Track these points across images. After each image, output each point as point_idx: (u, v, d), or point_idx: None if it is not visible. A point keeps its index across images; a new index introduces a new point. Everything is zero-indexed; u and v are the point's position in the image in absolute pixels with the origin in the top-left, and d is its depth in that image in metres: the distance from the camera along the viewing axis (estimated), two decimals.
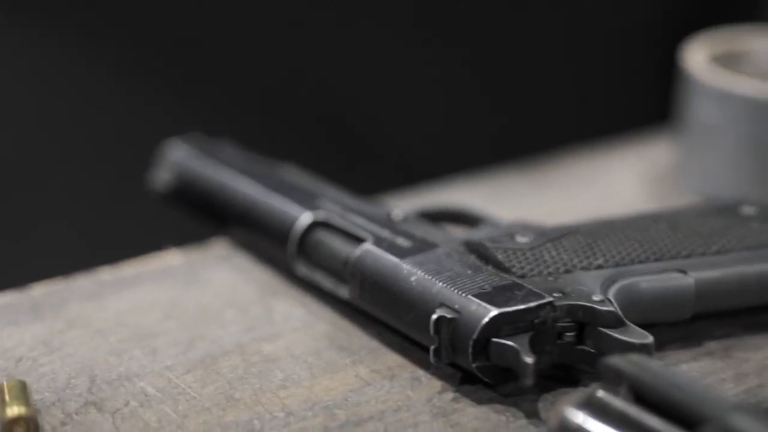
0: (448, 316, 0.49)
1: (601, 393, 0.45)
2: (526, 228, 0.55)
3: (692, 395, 0.43)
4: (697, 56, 0.68)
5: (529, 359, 0.47)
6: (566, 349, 0.50)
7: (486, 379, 0.49)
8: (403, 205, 0.61)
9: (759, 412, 0.42)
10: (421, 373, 0.52)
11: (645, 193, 0.70)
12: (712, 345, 0.54)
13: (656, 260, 0.53)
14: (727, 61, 0.70)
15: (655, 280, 0.52)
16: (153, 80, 0.90)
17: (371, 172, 0.75)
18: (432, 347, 0.50)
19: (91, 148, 0.89)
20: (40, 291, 0.58)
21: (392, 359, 0.53)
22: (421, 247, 0.54)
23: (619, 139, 0.76)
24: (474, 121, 0.91)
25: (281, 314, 0.56)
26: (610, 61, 0.90)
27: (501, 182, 0.71)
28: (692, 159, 0.69)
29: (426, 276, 0.51)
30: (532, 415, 0.49)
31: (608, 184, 0.71)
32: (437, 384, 0.51)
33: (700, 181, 0.68)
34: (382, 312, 0.53)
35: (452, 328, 0.49)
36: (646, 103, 0.78)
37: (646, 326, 0.51)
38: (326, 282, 0.56)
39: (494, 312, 0.48)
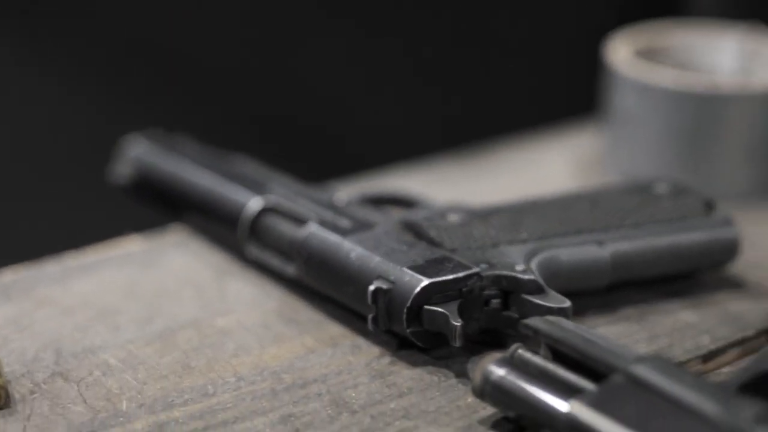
0: (384, 287, 0.54)
1: (520, 351, 0.50)
2: (457, 208, 0.60)
3: (602, 349, 0.48)
4: (620, 50, 0.74)
5: (457, 323, 0.52)
6: (493, 315, 0.55)
7: (420, 344, 0.54)
8: (347, 190, 0.66)
9: (658, 362, 0.47)
10: (361, 341, 0.56)
11: (573, 178, 0.75)
12: (627, 311, 0.59)
13: (575, 234, 0.58)
14: (648, 55, 0.75)
15: (574, 252, 0.57)
16: (115, 80, 0.95)
17: (319, 162, 0.79)
18: (370, 316, 0.54)
19: (58, 144, 0.93)
20: (10, 276, 0.62)
21: (335, 329, 0.57)
22: (360, 226, 0.58)
23: (549, 130, 0.81)
24: (415, 113, 0.96)
25: (234, 292, 0.61)
26: (541, 57, 0.95)
27: (440, 170, 0.76)
28: (616, 146, 0.74)
29: (364, 252, 0.56)
30: (462, 375, 0.53)
31: (539, 171, 0.75)
32: (376, 350, 0.56)
33: (623, 167, 0.73)
34: (326, 287, 0.58)
35: (388, 298, 0.54)
36: (573, 95, 0.83)
37: (567, 295, 0.56)
38: (275, 262, 0.61)
39: (426, 282, 0.53)
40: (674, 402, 0.45)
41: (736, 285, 0.61)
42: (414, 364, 0.55)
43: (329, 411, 0.51)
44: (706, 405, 0.44)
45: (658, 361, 0.47)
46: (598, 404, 0.45)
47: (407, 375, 0.54)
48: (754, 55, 0.76)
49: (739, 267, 0.62)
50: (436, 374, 0.54)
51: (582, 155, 0.77)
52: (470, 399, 0.52)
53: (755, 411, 0.44)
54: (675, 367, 0.46)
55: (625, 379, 0.46)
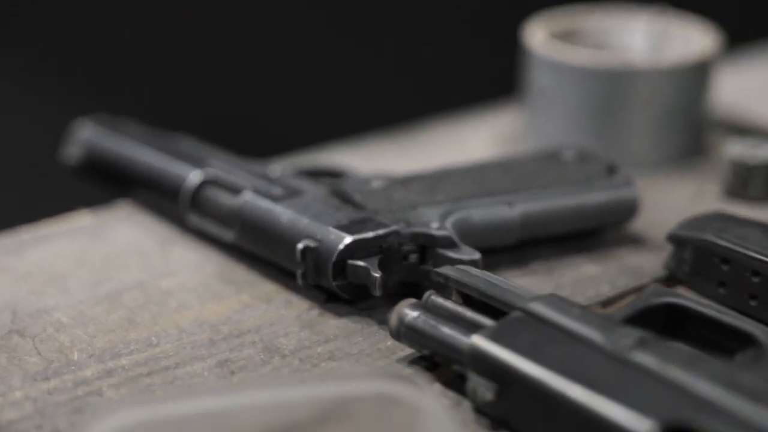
0: (312, 245, 0.59)
1: (433, 297, 0.56)
2: (380, 176, 0.65)
3: (503, 291, 0.54)
4: (537, 33, 0.79)
5: (377, 274, 0.57)
6: (411, 268, 0.60)
7: (345, 296, 0.60)
8: (282, 164, 0.71)
9: (552, 299, 0.52)
10: (293, 296, 0.62)
11: (496, 152, 0.80)
12: (536, 265, 0.64)
13: (487, 196, 0.64)
14: (563, 36, 0.80)
15: (485, 212, 0.63)
16: (66, 70, 0.99)
17: (256, 142, 0.84)
18: (299, 272, 0.60)
19: (13, 130, 0.97)
20: None
21: (269, 287, 0.63)
22: (292, 193, 0.64)
23: (475, 109, 0.86)
24: (350, 95, 1.01)
25: (177, 258, 0.66)
26: (466, 42, 1.01)
27: (372, 146, 0.81)
28: (534, 122, 0.79)
29: (294, 215, 0.61)
30: (383, 323, 0.58)
31: (464, 146, 0.81)
32: (305, 304, 0.61)
33: (541, 141, 0.78)
34: (260, 249, 0.63)
35: (315, 255, 0.59)
36: (496, 77, 0.88)
37: (482, 251, 0.61)
38: (214, 229, 0.66)
39: (349, 239, 0.58)
40: (565, 332, 0.50)
41: (636, 241, 0.67)
42: (340, 314, 0.60)
43: (262, 356, 0.57)
44: (593, 333, 0.50)
45: (551, 298, 0.52)
46: (497, 336, 0.51)
47: (333, 324, 0.59)
48: (662, 36, 0.82)
49: (642, 226, 0.68)
50: (359, 323, 0.59)
51: (504, 132, 0.83)
52: (390, 342, 0.57)
53: (634, 338, 0.49)
54: (566, 303, 0.52)
55: (522, 314, 0.52)
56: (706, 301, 0.55)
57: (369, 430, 0.49)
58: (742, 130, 0.81)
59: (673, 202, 0.72)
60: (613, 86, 0.76)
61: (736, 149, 0.73)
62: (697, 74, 0.77)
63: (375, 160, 0.78)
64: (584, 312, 0.51)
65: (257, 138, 0.84)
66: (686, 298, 0.54)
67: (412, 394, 0.48)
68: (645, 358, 0.48)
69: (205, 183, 0.66)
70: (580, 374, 0.48)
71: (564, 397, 0.48)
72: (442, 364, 0.55)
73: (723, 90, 0.84)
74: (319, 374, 0.52)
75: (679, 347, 0.49)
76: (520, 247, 0.65)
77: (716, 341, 0.52)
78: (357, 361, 0.56)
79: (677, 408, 0.46)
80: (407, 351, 0.56)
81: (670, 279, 0.62)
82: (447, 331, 0.53)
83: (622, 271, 0.64)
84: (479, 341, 0.51)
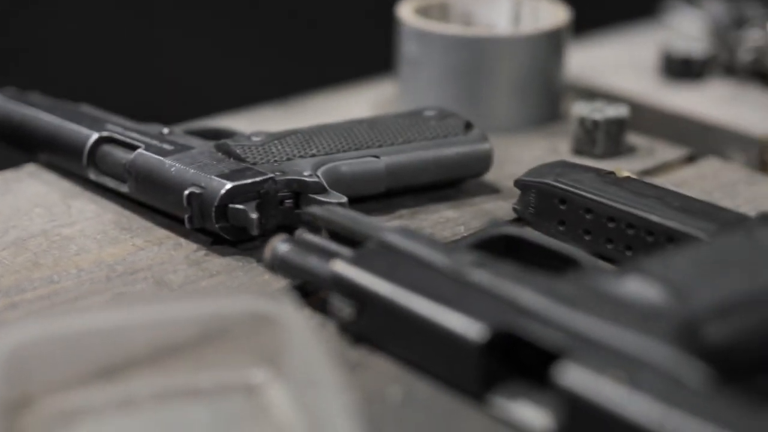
0: (197, 191, 0.66)
1: (303, 233, 0.63)
2: (260, 132, 0.73)
3: (362, 225, 0.62)
4: (408, 8, 0.87)
5: (254, 215, 0.65)
6: (287, 213, 0.68)
7: (228, 238, 0.67)
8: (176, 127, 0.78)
9: (403, 230, 0.60)
10: (182, 240, 0.69)
11: None
12: (403, 212, 0.72)
13: (356, 149, 0.71)
14: (433, 11, 0.88)
15: (354, 163, 0.71)
16: None
17: (153, 111, 0.90)
18: (186, 216, 0.67)
19: None
20: None
21: (161, 233, 0.70)
22: (180, 149, 0.71)
23: (356, 82, 0.94)
24: (243, 70, 1.08)
25: (77, 209, 0.73)
26: (350, 19, 1.08)
27: (264, 114, 0.88)
28: (406, 90, 0.87)
29: (182, 167, 0.68)
30: (261, 260, 0.66)
31: (345, 113, 0.88)
32: (194, 246, 0.68)
33: (412, 106, 0.86)
34: (153, 199, 0.70)
35: (200, 200, 0.66)
36: (374, 52, 0.96)
37: (353, 199, 0.69)
38: (111, 183, 0.73)
39: (229, 185, 0.66)
40: (413, 257, 0.58)
41: (492, 191, 0.75)
42: (224, 254, 0.67)
43: (153, 290, 0.64)
44: (436, 257, 0.58)
45: (403, 229, 0.60)
46: (355, 262, 0.58)
47: (218, 262, 0.66)
48: (520, 11, 0.90)
49: (498, 178, 0.76)
50: (241, 261, 0.67)
51: (381, 100, 0.91)
52: (267, 276, 0.64)
53: (471, 259, 0.57)
54: (415, 234, 0.60)
55: (377, 244, 0.60)
56: (537, 232, 0.63)
57: (243, 347, 0.56)
58: (591, 96, 0.90)
59: (528, 158, 0.80)
60: (475, 55, 0.84)
61: (584, 110, 0.81)
62: (551, 44, 0.85)
63: (262, 126, 0.85)
64: (430, 240, 0.59)
65: (150, 109, 0.91)
66: (520, 228, 0.62)
67: (280, 312, 0.55)
68: (479, 276, 0.56)
69: (102, 141, 0.73)
70: (424, 291, 0.56)
71: (410, 311, 0.55)
72: (312, 292, 0.62)
73: (574, 65, 0.93)
74: (197, 294, 0.59)
75: (508, 266, 0.57)
76: (388, 196, 0.73)
77: (546, 265, 0.60)
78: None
79: (504, 315, 0.54)
80: (282, 282, 0.63)
81: (519, 220, 0.71)
82: (313, 260, 0.60)
83: (477, 215, 0.72)
84: (340, 266, 0.58)
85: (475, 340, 0.53)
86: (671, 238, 0.63)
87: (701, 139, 0.86)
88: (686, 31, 1.01)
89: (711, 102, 0.90)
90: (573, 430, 0.50)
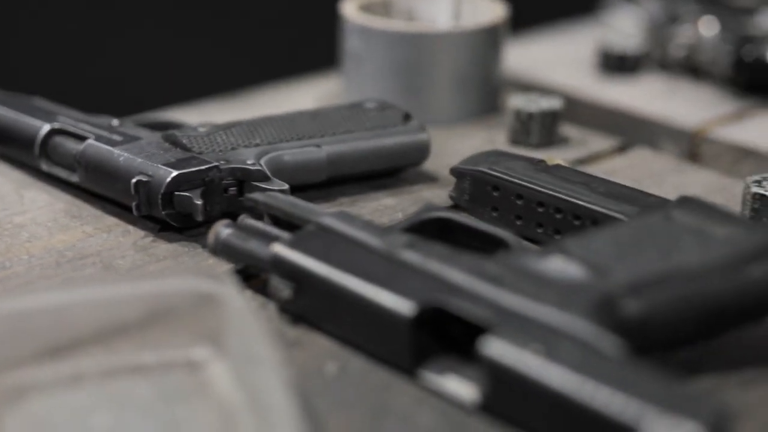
0: (144, 179, 0.69)
1: (245, 218, 0.66)
2: (206, 123, 0.75)
3: (302, 209, 0.64)
4: (351, 5, 0.90)
5: (199, 202, 0.68)
6: (231, 200, 0.70)
7: (175, 224, 0.69)
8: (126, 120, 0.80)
9: (341, 214, 0.63)
10: (130, 227, 0.71)
11: None
12: (343, 199, 0.75)
13: (298, 139, 0.74)
14: (374, 7, 0.91)
15: (296, 152, 0.73)
16: None
17: (111, 103, 0.93)
18: (134, 203, 0.69)
19: None
20: None
21: (110, 220, 0.72)
22: (129, 139, 0.73)
23: (302, 77, 0.97)
24: (194, 62, 1.10)
25: (30, 198, 0.75)
26: (294, 15, 1.11)
27: (211, 107, 0.91)
28: (350, 83, 0.90)
29: (130, 156, 0.71)
30: (206, 245, 0.68)
31: (292, 107, 0.91)
32: (142, 233, 0.71)
33: (357, 99, 0.89)
34: (102, 187, 0.73)
35: (147, 188, 0.69)
36: (321, 49, 0.98)
37: (295, 188, 0.72)
38: (62, 173, 0.75)
39: (175, 173, 0.68)
40: (348, 239, 0.61)
41: (431, 179, 0.78)
42: (171, 240, 0.70)
43: (101, 274, 0.66)
44: (370, 239, 0.61)
45: (339, 213, 0.63)
46: (293, 244, 0.61)
47: (165, 248, 0.69)
48: (462, 6, 0.93)
49: (436, 167, 0.79)
50: (187, 246, 0.69)
51: (325, 93, 0.93)
52: (211, 261, 0.67)
53: (404, 241, 0.60)
54: (351, 217, 0.63)
55: (315, 227, 0.62)
56: (467, 216, 0.66)
57: (186, 326, 0.59)
58: (529, 90, 0.93)
59: (465, 148, 0.83)
60: (416, 50, 0.87)
61: (519, 102, 0.84)
62: (488, 40, 0.88)
63: (210, 118, 0.88)
64: (366, 224, 0.62)
65: (107, 102, 0.93)
66: (451, 212, 0.65)
67: (222, 292, 0.58)
68: (411, 256, 0.59)
69: (54, 133, 0.76)
70: (358, 271, 0.59)
71: (344, 290, 0.58)
72: (253, 275, 0.65)
73: (513, 60, 0.96)
74: (142, 275, 0.61)
75: (439, 247, 0.60)
76: (329, 184, 0.76)
77: (477, 247, 0.63)
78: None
79: (433, 292, 0.57)
80: (225, 266, 0.66)
81: (455, 207, 0.74)
82: (254, 244, 0.63)
83: (415, 202, 0.75)
84: (278, 249, 0.61)
85: (405, 316, 0.56)
86: (596, 221, 0.66)
87: (635, 131, 0.90)
88: (623, 28, 1.04)
89: (644, 96, 0.94)
90: (497, 400, 0.53)
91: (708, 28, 0.96)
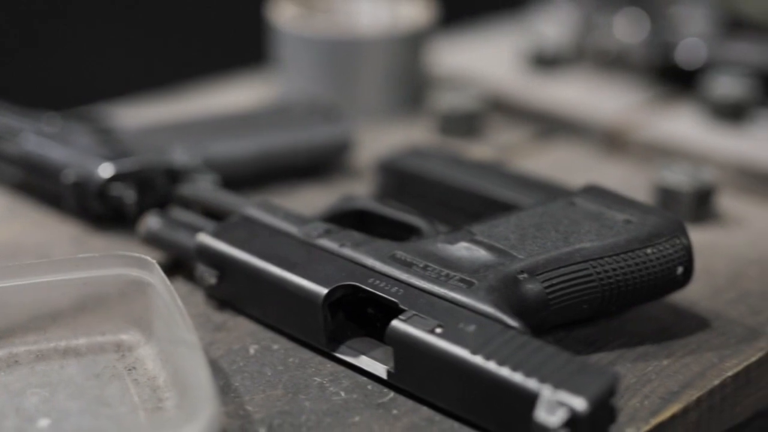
0: (79, 174, 0.72)
1: (175, 209, 0.69)
2: (143, 121, 0.79)
3: (226, 200, 0.68)
4: (285, 8, 0.93)
5: (132, 196, 0.71)
6: (163, 193, 0.73)
7: (109, 217, 0.73)
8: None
9: (263, 203, 0.66)
10: (67, 219, 0.74)
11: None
12: (273, 192, 0.79)
13: (228, 136, 0.77)
14: (309, 13, 0.95)
15: (226, 148, 0.77)
16: None
17: (47, 97, 0.96)
18: (69, 198, 0.72)
19: None
20: None
21: (47, 215, 0.75)
22: (64, 134, 0.76)
23: (236, 74, 1.01)
24: (130, 59, 1.13)
25: None
26: (231, 14, 1.15)
27: (146, 103, 0.94)
28: (284, 81, 0.93)
29: (65, 150, 0.74)
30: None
31: (226, 105, 0.94)
32: (78, 227, 0.74)
33: (290, 96, 0.92)
34: (38, 181, 0.76)
35: (82, 183, 0.72)
36: (257, 48, 1.02)
37: (230, 183, 0.75)
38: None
39: (109, 167, 0.72)
40: (270, 228, 0.65)
41: (358, 173, 0.82)
42: (106, 234, 0.73)
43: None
44: (290, 228, 0.64)
45: (262, 203, 0.67)
46: (217, 233, 0.65)
47: (99, 240, 0.72)
48: (392, 9, 0.97)
49: (364, 160, 0.83)
50: (121, 238, 0.72)
51: (260, 92, 0.97)
52: (144, 252, 0.70)
53: (321, 229, 0.64)
54: (273, 207, 0.66)
55: (239, 217, 0.66)
56: (383, 205, 0.70)
57: (116, 311, 0.62)
58: (454, 86, 0.97)
59: (392, 142, 0.87)
60: (345, 52, 0.90)
61: (444, 98, 0.88)
62: (416, 41, 0.92)
63: (145, 114, 0.91)
64: (286, 213, 0.66)
65: (43, 97, 0.96)
66: (368, 202, 0.68)
67: (150, 280, 0.61)
68: (327, 243, 0.63)
69: None
70: (279, 257, 0.62)
71: (265, 275, 0.62)
72: (182, 264, 0.69)
73: (444, 59, 1.00)
74: (71, 260, 0.64)
75: (354, 234, 0.63)
76: (261, 179, 0.79)
77: (394, 234, 0.66)
78: None
79: (348, 275, 0.60)
80: (156, 256, 0.69)
81: (380, 198, 0.77)
82: (181, 234, 0.67)
83: (340, 193, 0.78)
84: (203, 237, 0.64)
85: (319, 297, 0.59)
86: (506, 208, 0.70)
87: (558, 125, 0.94)
88: (552, 28, 1.08)
89: (568, 91, 0.98)
90: (405, 374, 0.57)
91: (626, 23, 1.00)
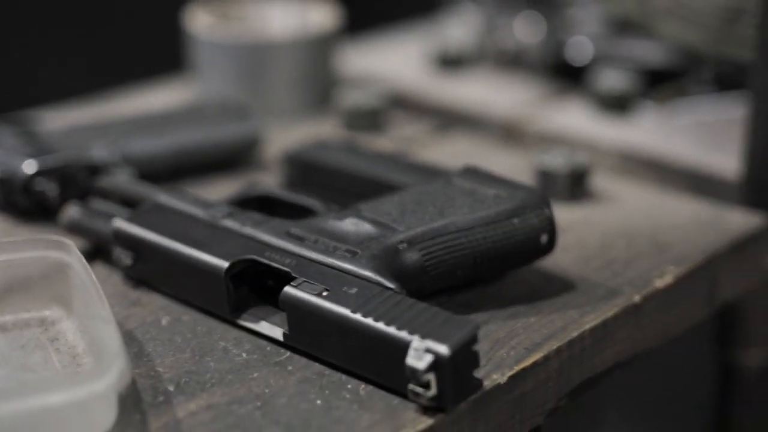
0: (5, 170, 0.78)
1: (94, 199, 0.76)
2: (66, 122, 0.85)
3: (139, 189, 0.75)
4: (200, 17, 1.00)
5: (55, 190, 0.78)
6: (84, 187, 0.80)
7: (35, 211, 0.79)
8: None
9: (173, 191, 0.73)
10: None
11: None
12: (188, 184, 0.85)
13: (146, 134, 0.84)
14: (223, 20, 1.02)
15: (144, 145, 0.84)
16: None
17: None
18: None
19: None
20: None
21: None
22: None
23: (156, 79, 1.08)
24: (57, 66, 1.19)
25: None
26: (144, 27, 1.22)
27: (71, 108, 1.01)
28: (201, 85, 1.00)
29: None
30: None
31: (148, 107, 1.01)
32: (3, 219, 0.80)
33: (206, 97, 0.99)
34: None
35: (8, 179, 0.78)
36: (176, 52, 1.09)
37: (149, 178, 0.82)
38: None
39: (33, 164, 0.78)
40: (179, 212, 0.71)
41: (267, 165, 0.89)
42: (31, 225, 0.79)
43: None
44: (198, 211, 0.71)
45: (172, 191, 0.73)
46: (130, 219, 0.71)
47: (27, 232, 0.79)
48: (297, 17, 1.04)
49: (274, 154, 0.90)
50: (45, 229, 0.79)
51: (179, 94, 1.04)
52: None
53: (224, 211, 0.71)
54: (183, 194, 0.73)
55: (151, 204, 0.73)
56: (282, 190, 0.77)
57: (40, 290, 0.68)
58: (359, 85, 1.04)
59: (301, 137, 0.94)
60: (254, 58, 0.97)
61: (350, 96, 0.96)
62: (324, 44, 0.99)
63: (70, 117, 0.97)
64: (194, 199, 0.73)
65: None
66: (269, 188, 0.75)
67: (70, 262, 0.68)
68: (230, 223, 0.70)
69: None
70: (185, 238, 0.69)
71: (175, 253, 0.69)
72: (102, 249, 0.75)
73: (354, 60, 1.07)
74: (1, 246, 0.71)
75: (254, 215, 0.70)
76: (176, 173, 0.86)
77: (293, 215, 0.73)
78: None
79: (247, 250, 0.67)
80: (78, 243, 0.76)
81: (288, 186, 0.84)
82: (99, 221, 0.73)
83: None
84: (118, 223, 0.71)
85: (221, 270, 0.66)
86: (394, 190, 0.77)
87: (458, 119, 1.01)
88: (457, 30, 1.16)
89: (469, 88, 1.05)
90: (298, 336, 0.64)
91: (527, 24, 1.08)
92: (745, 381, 0.88)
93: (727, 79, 1.03)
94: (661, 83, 1.03)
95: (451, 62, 1.09)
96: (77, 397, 0.56)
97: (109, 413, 0.58)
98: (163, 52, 1.11)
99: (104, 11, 1.20)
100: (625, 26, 1.09)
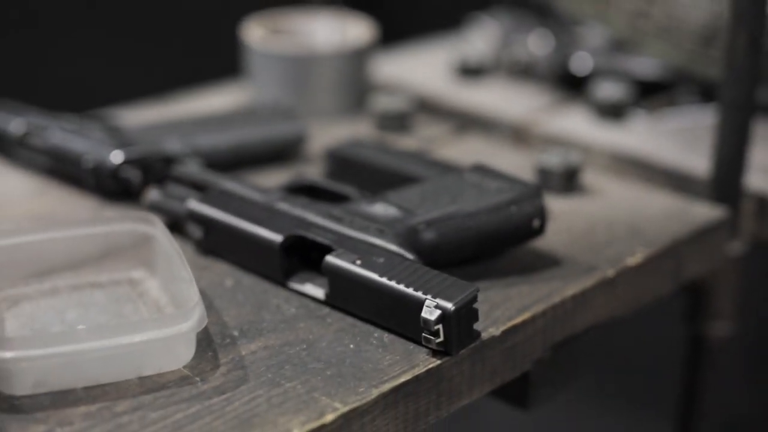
0: (97, 159, 0.95)
1: (170, 184, 0.93)
2: (145, 120, 1.02)
3: (208, 177, 0.91)
4: (254, 29, 1.17)
5: (138, 176, 0.94)
6: (162, 174, 0.96)
7: (121, 193, 0.96)
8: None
9: (235, 179, 0.89)
10: (87, 196, 0.97)
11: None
12: (244, 174, 1.02)
13: (211, 131, 1.01)
14: (274, 33, 1.18)
15: (209, 139, 1.00)
16: None
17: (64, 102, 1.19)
18: (90, 179, 0.95)
19: None
20: None
21: (73, 192, 0.98)
22: (84, 130, 0.99)
23: (216, 83, 1.24)
24: (131, 72, 1.36)
25: (10, 178, 1.01)
26: (207, 38, 1.38)
27: (146, 108, 1.17)
28: (256, 89, 1.17)
29: (85, 142, 0.97)
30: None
31: (210, 107, 1.17)
32: (96, 201, 0.97)
33: (259, 100, 1.16)
34: (63, 167, 0.98)
35: (99, 166, 0.95)
36: (228, 62, 1.25)
37: (212, 167, 0.98)
38: (38, 158, 1.01)
39: (120, 154, 0.95)
40: (241, 196, 0.88)
41: (312, 159, 1.05)
42: (119, 205, 0.96)
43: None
44: (256, 195, 0.88)
45: (235, 178, 0.90)
46: (201, 200, 0.88)
47: (113, 211, 0.95)
48: (340, 27, 1.20)
49: (317, 150, 1.06)
50: (131, 208, 0.95)
51: (238, 97, 1.20)
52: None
53: (278, 196, 0.87)
54: (242, 181, 0.89)
55: (218, 190, 0.89)
56: (325, 179, 0.93)
57: (129, 255, 0.85)
58: (389, 91, 1.21)
59: (339, 136, 1.10)
60: (301, 66, 1.14)
61: (381, 102, 1.12)
62: (360, 55, 1.16)
63: (143, 115, 1.14)
64: (253, 186, 0.89)
65: (63, 100, 1.18)
66: (314, 178, 0.92)
67: (154, 232, 0.84)
68: (283, 206, 0.86)
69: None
70: (246, 216, 0.85)
71: (237, 229, 0.85)
72: (178, 224, 0.92)
73: (385, 68, 1.24)
74: (96, 218, 0.87)
75: (302, 199, 0.87)
76: (236, 164, 1.02)
77: (332, 200, 0.90)
78: None
79: (297, 227, 0.84)
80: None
81: (329, 177, 1.00)
82: (174, 202, 0.90)
83: (298, 174, 1.02)
84: (192, 203, 0.88)
85: (276, 243, 0.83)
86: (415, 181, 0.93)
87: (473, 122, 1.17)
88: (478, 44, 1.32)
89: (485, 95, 1.21)
90: (337, 296, 0.80)
91: (538, 40, 1.24)
92: (711, 350, 1.04)
93: (710, 91, 1.18)
94: (652, 94, 1.19)
95: (470, 71, 1.25)
96: (165, 335, 0.73)
97: (189, 350, 0.75)
98: (223, 61, 1.28)
99: (175, 26, 1.37)
100: (621, 44, 1.25)
